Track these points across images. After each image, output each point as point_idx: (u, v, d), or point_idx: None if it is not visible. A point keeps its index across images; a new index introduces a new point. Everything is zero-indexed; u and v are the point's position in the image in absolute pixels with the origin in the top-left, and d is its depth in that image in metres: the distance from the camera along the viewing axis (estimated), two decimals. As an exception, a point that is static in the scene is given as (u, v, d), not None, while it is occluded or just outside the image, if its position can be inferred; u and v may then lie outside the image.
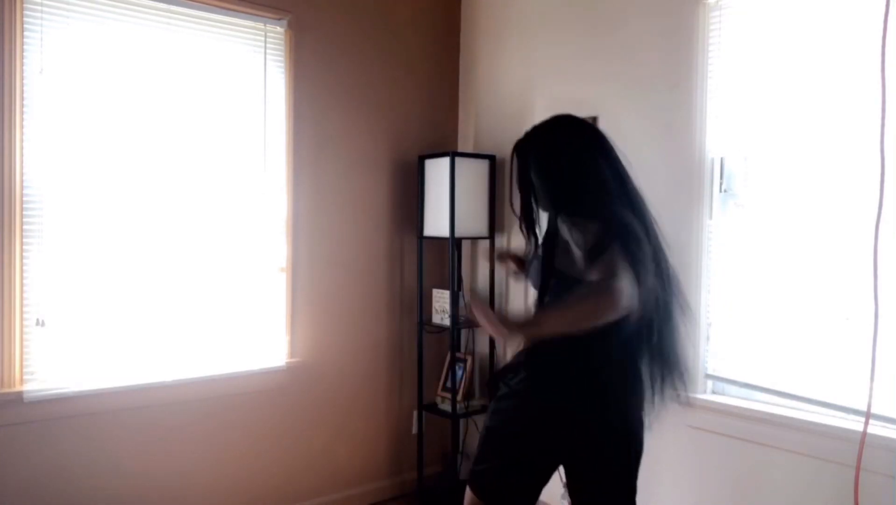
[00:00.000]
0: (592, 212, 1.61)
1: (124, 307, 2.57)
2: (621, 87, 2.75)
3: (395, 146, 3.32)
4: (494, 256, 2.20)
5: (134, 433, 2.58)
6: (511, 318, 1.69)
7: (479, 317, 1.54)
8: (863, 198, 2.03)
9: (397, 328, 3.36)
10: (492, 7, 3.39)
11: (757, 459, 2.31)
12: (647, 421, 1.72)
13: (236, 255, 2.84)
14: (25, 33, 2.35)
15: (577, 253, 1.58)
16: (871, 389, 1.83)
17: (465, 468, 3.22)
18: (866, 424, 1.84)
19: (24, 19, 2.34)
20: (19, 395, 2.33)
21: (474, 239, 3.34)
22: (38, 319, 2.40)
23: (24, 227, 2.37)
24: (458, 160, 3.08)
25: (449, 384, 3.26)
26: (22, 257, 2.36)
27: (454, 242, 3.13)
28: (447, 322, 3.20)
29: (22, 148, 2.35)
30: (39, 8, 2.37)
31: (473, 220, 3.16)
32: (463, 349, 3.40)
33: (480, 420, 3.18)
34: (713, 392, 2.53)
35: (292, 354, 3.01)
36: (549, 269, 1.69)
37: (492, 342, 3.29)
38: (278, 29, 2.91)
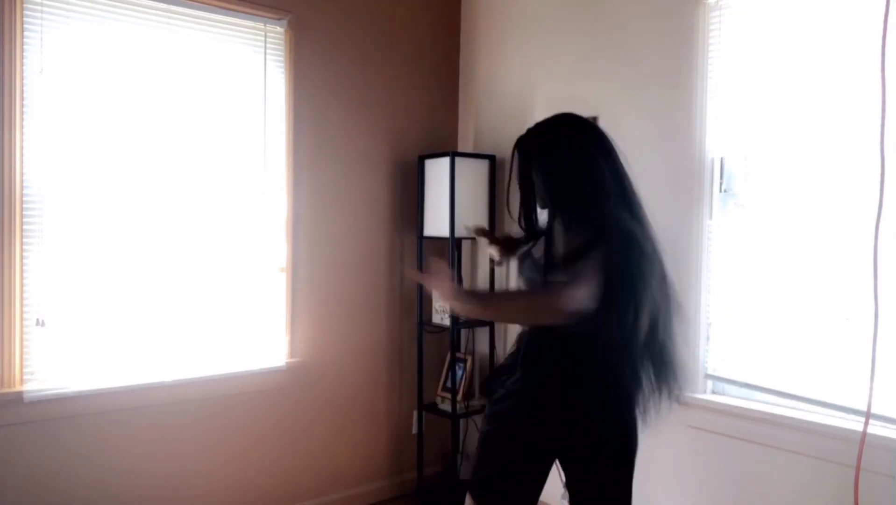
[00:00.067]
0: (589, 212, 1.61)
1: (124, 307, 2.57)
2: (621, 87, 2.75)
3: (395, 146, 3.32)
4: (474, 229, 2.17)
5: (134, 433, 2.58)
6: (460, 287, 1.68)
7: (432, 273, 1.54)
8: (863, 198, 2.03)
9: (397, 328, 3.36)
10: (492, 7, 3.39)
11: (757, 459, 2.31)
12: (642, 421, 1.71)
13: (236, 255, 2.84)
14: (25, 33, 2.35)
15: (559, 253, 1.61)
16: (871, 389, 1.83)
17: (466, 468, 3.22)
18: (866, 424, 1.84)
19: (24, 19, 2.34)
20: (19, 395, 2.33)
21: (474, 239, 3.34)
22: (38, 319, 2.40)
23: (24, 227, 2.37)
24: (458, 160, 3.09)
25: (449, 384, 3.26)
26: (22, 257, 2.36)
27: (454, 242, 3.13)
28: (447, 322, 3.20)
29: (22, 148, 2.35)
30: (39, 8, 2.37)
31: (473, 220, 3.16)
32: (463, 349, 3.40)
33: (480, 420, 3.17)
34: (713, 392, 2.53)
35: (292, 354, 3.01)
36: (547, 267, 1.69)
37: (492, 342, 3.29)
38: (278, 29, 2.91)
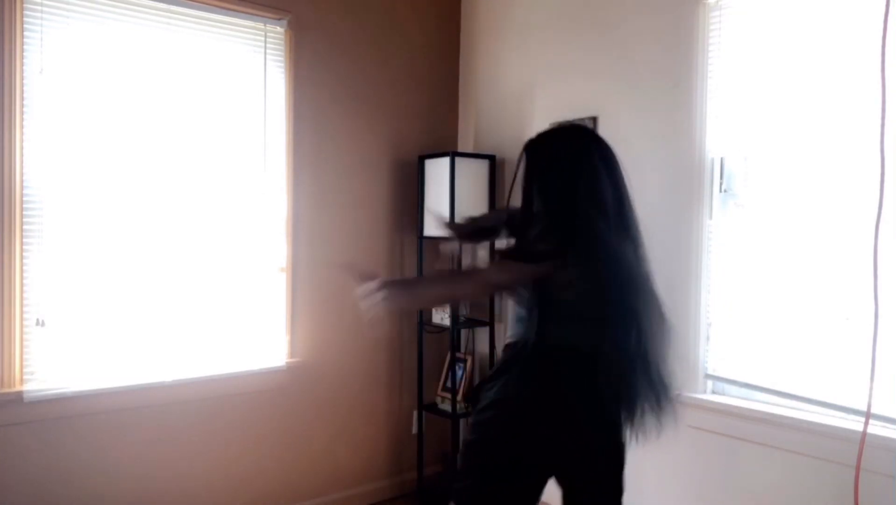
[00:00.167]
0: (576, 226, 1.60)
1: (124, 307, 2.57)
2: (621, 87, 2.75)
3: (395, 146, 3.32)
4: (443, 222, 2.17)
5: (134, 433, 2.58)
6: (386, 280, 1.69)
7: (358, 276, 1.58)
8: (863, 198, 2.03)
9: (397, 328, 3.36)
10: (492, 7, 3.39)
11: (757, 459, 2.31)
12: (628, 434, 1.70)
13: (236, 255, 2.84)
14: (25, 33, 2.35)
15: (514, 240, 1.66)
16: (871, 389, 1.83)
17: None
18: (866, 424, 1.84)
19: (24, 19, 2.34)
20: (19, 395, 2.33)
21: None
22: (38, 319, 2.40)
23: (24, 227, 2.37)
24: (458, 160, 3.08)
25: (449, 384, 3.26)
26: (22, 257, 2.36)
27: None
28: (447, 322, 3.20)
29: (22, 148, 2.35)
30: (39, 8, 2.37)
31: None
32: (463, 349, 3.40)
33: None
34: (713, 392, 2.53)
35: (292, 354, 3.01)
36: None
37: (492, 342, 3.29)
38: (278, 29, 2.91)
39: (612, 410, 1.68)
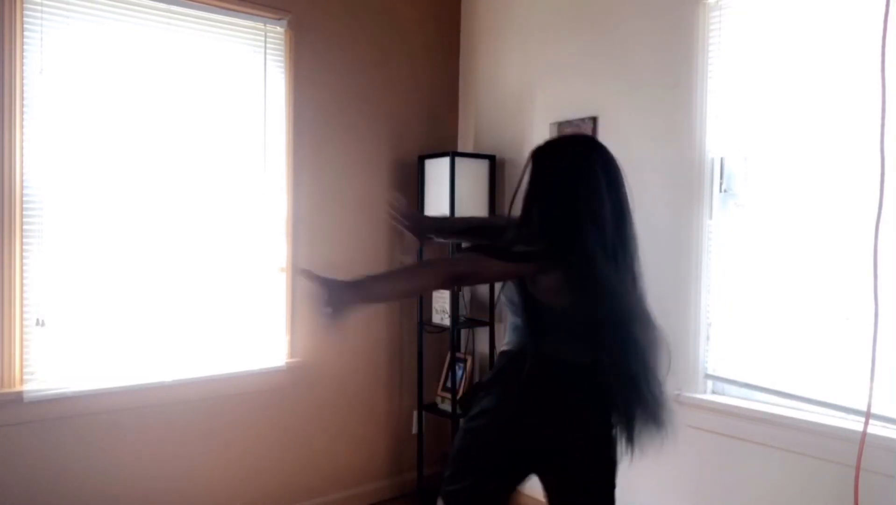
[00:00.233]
0: (568, 236, 1.58)
1: (124, 307, 2.57)
2: (621, 87, 2.75)
3: (395, 146, 3.32)
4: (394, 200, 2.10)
5: (134, 433, 2.58)
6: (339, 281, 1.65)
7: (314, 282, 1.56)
8: (863, 198, 2.03)
9: (397, 328, 3.36)
10: (492, 7, 3.39)
11: (757, 459, 2.31)
12: (623, 449, 1.69)
13: (236, 255, 2.84)
14: (25, 33, 2.35)
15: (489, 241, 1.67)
16: (871, 389, 1.83)
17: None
18: (866, 424, 1.84)
19: (24, 19, 2.34)
20: (19, 395, 2.33)
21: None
22: (38, 319, 2.40)
23: (24, 227, 2.37)
24: (458, 160, 3.08)
25: (449, 384, 3.25)
26: (22, 257, 2.36)
27: (454, 243, 3.12)
28: (447, 322, 3.20)
29: (22, 148, 2.35)
30: (39, 8, 2.37)
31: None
32: (463, 349, 3.40)
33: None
34: (713, 392, 2.53)
35: (292, 354, 3.01)
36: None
37: (492, 342, 3.29)
38: (278, 29, 2.91)
39: (608, 426, 1.68)
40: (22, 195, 2.36)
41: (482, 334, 3.38)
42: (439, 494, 1.77)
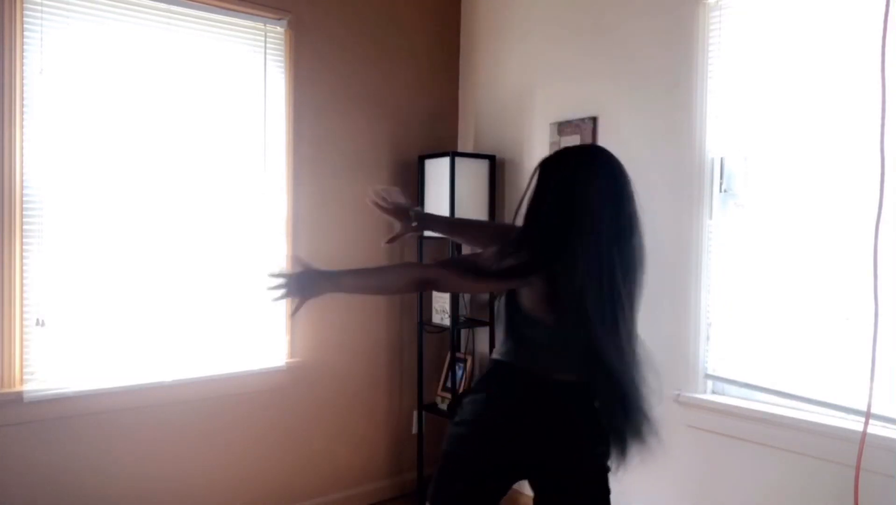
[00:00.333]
0: (558, 250, 1.56)
1: (124, 307, 2.57)
2: (621, 87, 2.75)
3: (395, 146, 3.32)
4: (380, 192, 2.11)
5: (134, 433, 2.58)
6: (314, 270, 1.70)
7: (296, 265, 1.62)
8: (863, 198, 2.03)
9: (397, 328, 3.36)
10: (492, 7, 3.39)
11: (757, 459, 2.31)
12: (618, 462, 1.68)
13: (236, 254, 2.84)
14: (25, 33, 2.35)
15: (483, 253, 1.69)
16: (871, 389, 1.83)
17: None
18: (866, 424, 1.84)
19: (24, 19, 2.34)
20: (19, 395, 2.33)
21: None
22: (38, 319, 2.40)
23: (24, 227, 2.37)
24: (458, 160, 3.08)
25: (449, 384, 3.26)
26: (22, 257, 2.36)
27: (454, 243, 3.12)
28: (447, 322, 3.20)
29: (22, 148, 2.35)
30: (39, 8, 2.37)
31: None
32: (463, 349, 3.40)
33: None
34: (713, 392, 2.53)
35: (292, 354, 3.01)
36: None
37: (492, 342, 3.29)
38: (278, 29, 2.91)
39: (599, 440, 1.66)
40: (22, 195, 2.36)
41: (482, 334, 3.38)
42: (426, 495, 1.77)
